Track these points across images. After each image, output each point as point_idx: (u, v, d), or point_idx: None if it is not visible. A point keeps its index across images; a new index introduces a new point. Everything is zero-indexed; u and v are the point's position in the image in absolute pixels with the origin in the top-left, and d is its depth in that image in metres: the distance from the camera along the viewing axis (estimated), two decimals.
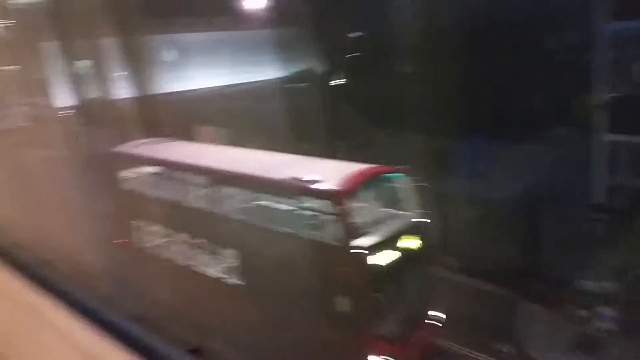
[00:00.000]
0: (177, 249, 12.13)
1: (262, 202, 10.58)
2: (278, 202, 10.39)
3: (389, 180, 9.95)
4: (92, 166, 17.67)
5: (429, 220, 9.87)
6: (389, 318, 9.24)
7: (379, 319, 9.08)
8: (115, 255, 12.82)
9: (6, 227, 5.61)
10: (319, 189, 9.06)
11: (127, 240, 13.47)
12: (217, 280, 11.20)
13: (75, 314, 2.81)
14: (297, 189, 9.38)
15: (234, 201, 10.87)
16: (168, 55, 23.59)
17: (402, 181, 9.87)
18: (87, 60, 24.48)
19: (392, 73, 16.97)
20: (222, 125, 18.22)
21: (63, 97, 25.12)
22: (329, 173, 9.47)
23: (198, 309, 10.92)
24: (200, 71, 22.08)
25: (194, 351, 2.68)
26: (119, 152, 14.19)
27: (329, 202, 9.03)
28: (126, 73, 21.71)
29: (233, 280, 10.90)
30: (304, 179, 9.19)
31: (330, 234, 9.02)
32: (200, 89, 21.52)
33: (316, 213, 9.28)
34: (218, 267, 11.28)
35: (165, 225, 12.46)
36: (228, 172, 10.98)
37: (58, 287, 3.03)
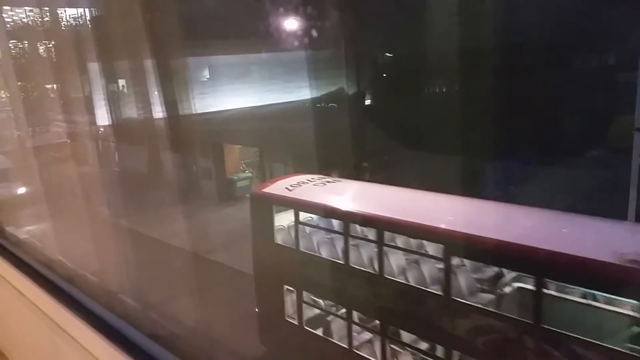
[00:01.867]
0: (346, 331, 8.98)
1: (524, 285, 7.23)
2: (567, 291, 6.97)
3: None
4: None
5: None
6: None
7: None
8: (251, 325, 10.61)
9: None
10: None
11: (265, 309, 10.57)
12: None
13: (98, 332, 2.85)
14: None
15: (463, 277, 7.69)
16: (207, 74, 24.12)
17: None
18: (131, 80, 25.26)
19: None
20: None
21: (104, 116, 25.93)
22: None
23: None
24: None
25: None
26: (264, 193, 10.73)
27: None
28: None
29: None
30: None
31: None
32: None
33: None
34: None
35: (330, 297, 9.49)
36: (472, 237, 7.11)
37: (82, 305, 3.08)
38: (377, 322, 8.51)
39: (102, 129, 26.72)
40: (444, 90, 19.71)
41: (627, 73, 15.81)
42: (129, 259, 14.31)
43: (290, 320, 9.83)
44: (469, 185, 14.76)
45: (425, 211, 8.55)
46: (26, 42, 25.64)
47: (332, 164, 16.85)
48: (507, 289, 7.53)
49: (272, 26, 18.31)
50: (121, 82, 26.31)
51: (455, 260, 7.49)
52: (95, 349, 2.78)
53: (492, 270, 7.92)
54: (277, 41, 18.61)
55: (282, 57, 21.12)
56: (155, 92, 22.38)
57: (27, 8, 26.23)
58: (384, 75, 20.52)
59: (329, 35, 17.98)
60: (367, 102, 19.03)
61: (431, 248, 8.19)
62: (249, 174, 23.40)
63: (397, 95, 18.56)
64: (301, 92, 19.78)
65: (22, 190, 18.14)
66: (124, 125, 26.40)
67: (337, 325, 9.16)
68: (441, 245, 7.54)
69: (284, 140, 18.85)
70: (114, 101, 26.10)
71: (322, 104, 18.71)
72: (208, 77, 23.85)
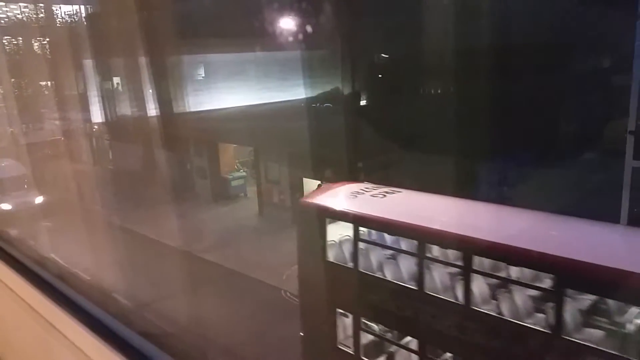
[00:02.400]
0: None
1: None
2: None
3: None
4: None
5: None
6: None
7: None
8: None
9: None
10: None
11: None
12: None
13: (90, 330, 2.83)
14: None
15: (572, 312, 6.52)
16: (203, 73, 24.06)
17: None
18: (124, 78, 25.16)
19: None
20: None
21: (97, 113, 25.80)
22: None
23: None
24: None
25: None
26: (317, 205, 9.54)
27: None
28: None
29: None
30: None
31: None
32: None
33: None
34: None
35: (396, 326, 8.46)
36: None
37: (74, 303, 3.06)
38: (450, 355, 7.68)
39: (96, 127, 26.61)
40: (439, 91, 19.75)
41: (621, 76, 15.90)
42: (119, 257, 14.25)
43: (344, 348, 8.85)
44: (465, 186, 14.79)
45: (527, 234, 7.43)
46: (20, 38, 25.50)
47: (327, 164, 16.86)
48: (631, 326, 6.54)
49: (268, 25, 18.29)
50: (116, 79, 26.20)
51: (570, 293, 6.53)
52: (87, 348, 2.76)
53: (607, 303, 6.84)
54: (273, 40, 18.58)
55: (278, 56, 21.08)
56: (150, 90, 22.30)
57: (22, 4, 26.07)
58: (380, 76, 20.54)
59: (324, 35, 17.98)
60: (363, 102, 19.03)
61: (533, 277, 7.26)
62: (244, 173, 23.37)
63: (392, 96, 18.58)
64: (296, 91, 19.77)
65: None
66: (118, 123, 26.29)
67: (403, 357, 8.29)
68: (554, 276, 6.52)
69: (278, 140, 18.82)
70: (108, 99, 25.98)
71: (317, 104, 18.70)
72: (203, 75, 23.79)
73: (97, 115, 25.99)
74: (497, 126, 14.75)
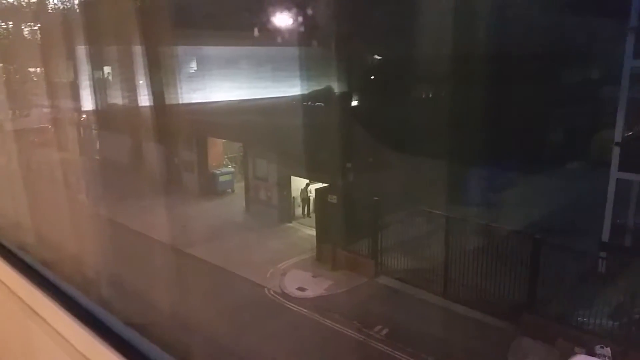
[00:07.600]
0: None
1: None
2: None
3: None
4: None
5: None
6: None
7: None
8: None
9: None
10: None
11: None
12: None
13: (72, 316, 2.79)
14: None
15: None
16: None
17: None
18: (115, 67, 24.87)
19: None
20: None
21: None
22: None
23: None
24: None
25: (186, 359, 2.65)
26: None
27: None
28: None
29: None
30: None
31: None
32: None
33: None
34: None
35: None
36: None
37: (57, 288, 3.02)
38: None
39: (84, 116, 26.30)
40: (430, 95, 19.85)
41: (608, 87, 16.08)
42: (98, 248, 14.04)
43: None
44: (451, 188, 14.87)
45: None
46: (10, 23, 25.11)
47: (316, 163, 16.86)
48: None
49: (261, 20, 18.23)
50: (107, 69, 25.94)
51: None
52: (68, 333, 2.72)
53: None
54: (266, 36, 18.52)
55: (271, 51, 21.03)
56: (141, 81, 22.09)
57: None
58: (372, 77, 20.59)
59: (318, 35, 17.97)
60: (354, 102, 19.07)
61: None
62: (232, 169, 23.28)
63: (383, 97, 18.62)
64: (289, 89, 19.72)
65: None
66: (107, 113, 26.04)
67: None
68: None
69: (268, 137, 18.78)
70: (98, 89, 25.71)
71: (309, 102, 18.69)
72: (195, 68, 23.64)
73: (84, 105, 25.69)
74: (485, 133, 14.85)
